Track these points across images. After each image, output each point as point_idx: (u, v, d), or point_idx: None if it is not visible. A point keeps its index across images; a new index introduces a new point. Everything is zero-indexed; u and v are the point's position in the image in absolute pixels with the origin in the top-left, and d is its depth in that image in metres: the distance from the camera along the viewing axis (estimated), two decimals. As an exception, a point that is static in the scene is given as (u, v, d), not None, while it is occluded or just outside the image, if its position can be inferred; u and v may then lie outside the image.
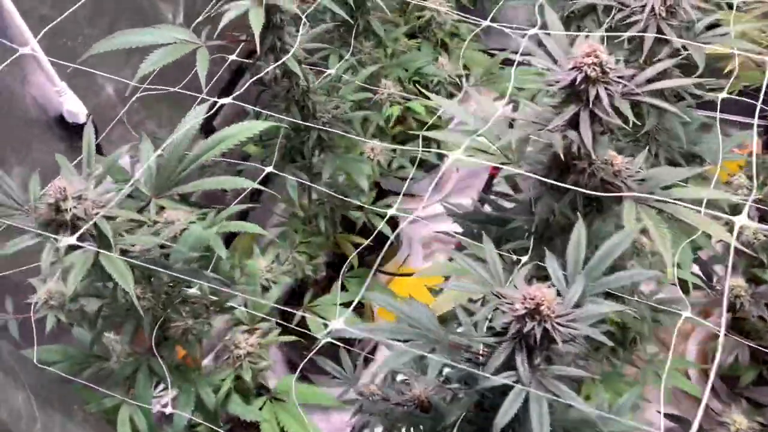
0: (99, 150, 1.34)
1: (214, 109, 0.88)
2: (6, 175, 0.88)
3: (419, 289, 2.00)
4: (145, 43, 0.96)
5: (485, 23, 1.37)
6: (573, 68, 0.85)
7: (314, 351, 1.09)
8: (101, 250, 0.78)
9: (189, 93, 1.27)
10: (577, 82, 0.84)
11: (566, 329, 0.76)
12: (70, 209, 0.79)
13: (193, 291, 1.05)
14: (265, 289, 1.18)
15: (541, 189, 1.02)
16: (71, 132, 1.31)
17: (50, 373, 1.00)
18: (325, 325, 1.36)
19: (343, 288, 1.47)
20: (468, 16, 1.67)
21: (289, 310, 1.17)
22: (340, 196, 1.18)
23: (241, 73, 1.79)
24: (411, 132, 1.63)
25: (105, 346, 1.11)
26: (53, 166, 1.26)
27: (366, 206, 1.22)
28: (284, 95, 1.14)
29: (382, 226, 1.06)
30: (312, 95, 1.14)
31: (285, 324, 1.18)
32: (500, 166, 1.07)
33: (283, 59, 0.98)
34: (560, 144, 0.85)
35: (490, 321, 1.00)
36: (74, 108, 1.26)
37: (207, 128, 1.73)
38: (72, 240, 0.75)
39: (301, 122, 1.09)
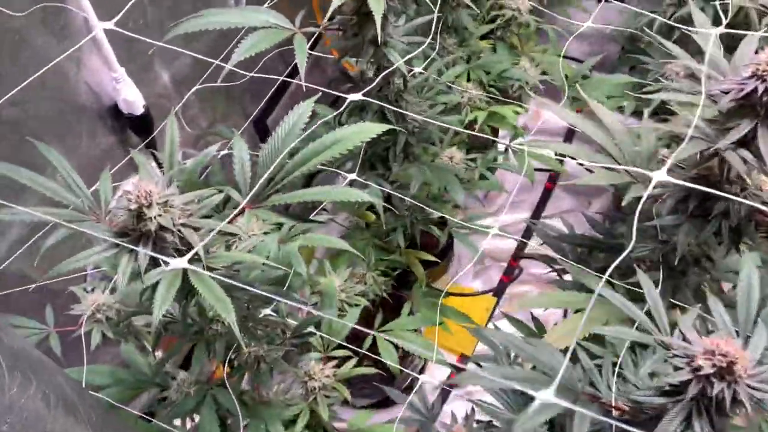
0: (152, 145, 1.22)
1: (344, 106, 0.75)
2: (73, 169, 0.74)
3: (470, 310, 1.86)
4: (234, 25, 0.84)
5: (586, 24, 1.25)
6: (752, 77, 0.73)
7: (415, 392, 0.96)
8: (192, 267, 0.65)
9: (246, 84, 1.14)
10: (759, 93, 0.71)
11: (755, 392, 0.63)
12: (155, 218, 0.66)
13: (268, 312, 0.92)
14: (341, 311, 1.05)
15: (680, 215, 0.89)
16: (124, 124, 1.19)
17: (103, 402, 0.87)
18: (396, 347, 1.24)
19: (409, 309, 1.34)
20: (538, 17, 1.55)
21: (368, 331, 1.04)
22: (429, 209, 1.05)
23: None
24: (484, 138, 1.50)
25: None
26: (102, 161, 1.14)
27: (453, 219, 1.09)
28: (376, 94, 1.01)
29: (485, 244, 0.92)
30: (406, 96, 1.01)
31: (353, 348, 1.06)
32: (638, 171, 0.94)
33: (395, 65, 0.85)
34: (741, 165, 0.72)
35: (621, 368, 0.87)
36: (131, 97, 1.13)
37: (259, 127, 1.61)
38: (183, 262, 0.62)
39: (404, 118, 0.96)
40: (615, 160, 0.95)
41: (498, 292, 1.94)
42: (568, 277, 1.28)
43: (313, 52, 1.09)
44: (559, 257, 1.03)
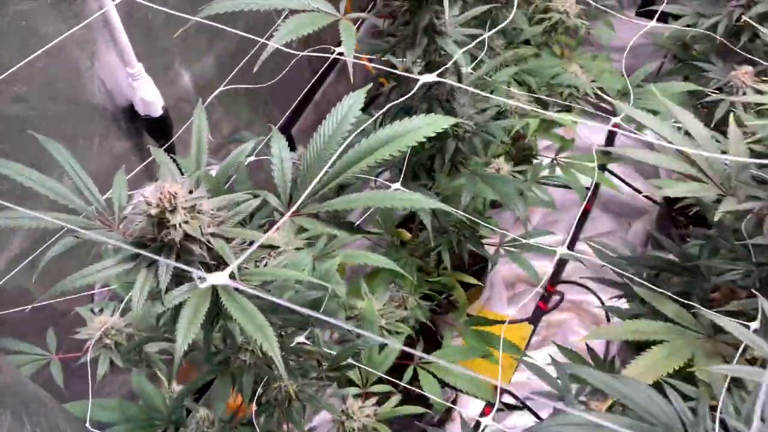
0: (171, 150, 1.11)
1: (416, 87, 0.64)
2: (83, 171, 0.63)
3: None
4: (271, 6, 0.73)
5: (649, 24, 1.14)
6: None
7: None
8: (233, 283, 0.53)
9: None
10: None
11: None
12: (180, 225, 0.55)
13: (301, 340, 0.80)
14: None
15: (785, 233, 0.77)
16: (140, 126, 1.08)
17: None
18: (439, 381, 1.11)
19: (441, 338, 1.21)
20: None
21: (420, 354, 0.92)
22: (480, 224, 0.93)
23: (325, 72, 1.57)
24: (528, 150, 1.39)
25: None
26: (115, 167, 1.03)
27: (510, 234, 0.97)
28: (424, 93, 0.90)
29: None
30: (459, 95, 0.90)
31: (393, 381, 0.93)
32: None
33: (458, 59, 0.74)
34: None
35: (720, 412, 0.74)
36: (149, 96, 1.02)
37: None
38: (224, 277, 0.51)
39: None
40: (703, 171, 0.83)
41: (534, 319, 1.81)
42: (619, 303, 1.16)
43: (340, 57, 0.98)
44: (633, 279, 0.91)
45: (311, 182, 0.62)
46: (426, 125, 0.62)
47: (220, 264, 0.60)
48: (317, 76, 1.53)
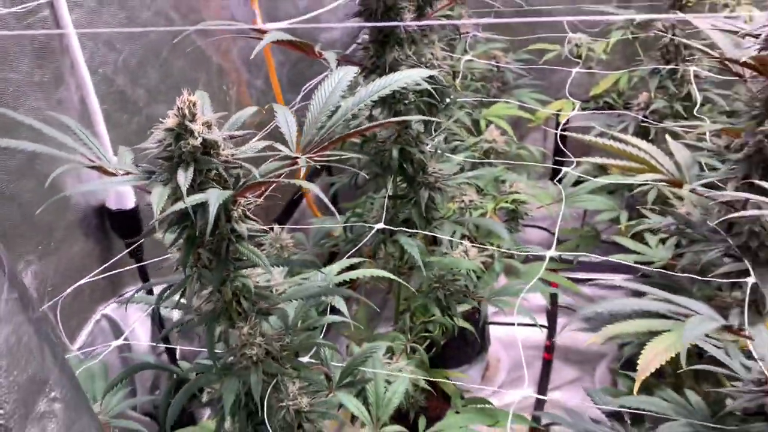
0: (139, 252, 1.10)
1: None
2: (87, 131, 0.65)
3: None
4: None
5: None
6: None
7: None
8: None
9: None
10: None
11: None
12: (199, 133, 0.58)
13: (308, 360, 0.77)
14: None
15: None
16: (107, 226, 1.07)
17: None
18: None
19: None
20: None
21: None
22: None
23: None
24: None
25: None
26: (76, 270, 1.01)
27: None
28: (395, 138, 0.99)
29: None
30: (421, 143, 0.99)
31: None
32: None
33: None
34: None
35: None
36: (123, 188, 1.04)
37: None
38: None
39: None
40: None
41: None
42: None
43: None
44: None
45: (316, 127, 0.67)
46: (403, 78, 0.70)
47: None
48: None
